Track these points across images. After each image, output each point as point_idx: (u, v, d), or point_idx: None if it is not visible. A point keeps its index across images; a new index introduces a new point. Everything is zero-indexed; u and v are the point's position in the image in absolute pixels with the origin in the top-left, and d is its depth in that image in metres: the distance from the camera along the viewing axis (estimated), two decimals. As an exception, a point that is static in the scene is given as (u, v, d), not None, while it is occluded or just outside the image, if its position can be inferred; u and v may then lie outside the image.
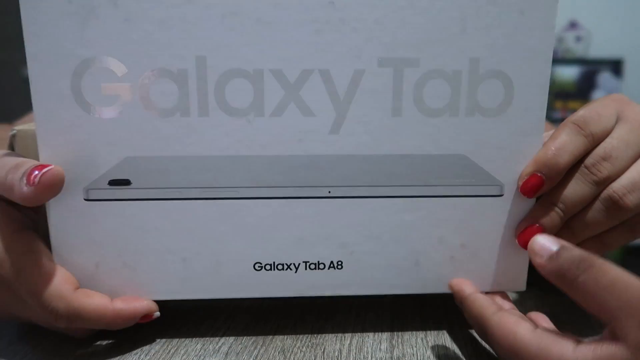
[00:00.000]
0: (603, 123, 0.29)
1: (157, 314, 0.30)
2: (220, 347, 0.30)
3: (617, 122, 0.30)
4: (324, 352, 0.29)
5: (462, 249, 0.31)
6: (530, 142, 0.29)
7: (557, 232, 0.29)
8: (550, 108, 2.06)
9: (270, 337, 0.31)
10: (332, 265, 0.30)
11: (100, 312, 0.28)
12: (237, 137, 0.28)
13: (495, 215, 0.30)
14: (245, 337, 0.31)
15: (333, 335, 0.31)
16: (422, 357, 0.29)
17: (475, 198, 0.30)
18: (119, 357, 0.28)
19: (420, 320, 0.33)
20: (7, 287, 0.27)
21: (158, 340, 0.30)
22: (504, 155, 0.29)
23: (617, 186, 0.28)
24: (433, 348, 0.30)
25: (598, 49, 2.12)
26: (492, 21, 0.28)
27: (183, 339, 0.30)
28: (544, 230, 0.29)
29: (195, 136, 0.28)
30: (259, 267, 0.30)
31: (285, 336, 0.31)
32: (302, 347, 0.30)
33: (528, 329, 0.24)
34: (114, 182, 0.28)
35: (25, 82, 0.31)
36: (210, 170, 0.28)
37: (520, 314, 0.27)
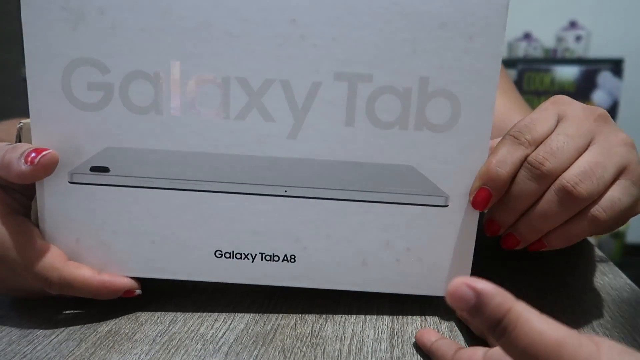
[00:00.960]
0: (540, 127, 0.30)
1: (139, 291, 0.33)
2: (220, 347, 0.30)
3: (558, 122, 0.31)
4: (324, 352, 0.29)
5: (407, 253, 0.32)
6: (476, 157, 0.31)
7: (519, 227, 0.31)
8: (550, 108, 2.06)
9: (271, 337, 0.31)
10: (285, 258, 0.33)
11: (87, 282, 0.31)
12: (204, 136, 0.31)
13: (441, 225, 0.32)
14: (245, 337, 0.31)
15: (333, 335, 0.31)
16: (422, 357, 0.29)
17: (421, 207, 0.32)
18: (119, 356, 0.28)
19: (421, 320, 0.33)
20: (3, 263, 0.30)
21: (158, 340, 0.30)
22: (450, 169, 0.31)
23: (568, 176, 0.29)
24: (433, 348, 0.30)
25: (598, 49, 2.12)
26: (441, 44, 0.30)
27: (183, 339, 0.30)
28: (499, 225, 0.31)
29: (168, 133, 0.31)
30: (219, 254, 0.33)
31: (285, 336, 0.31)
32: (302, 347, 0.30)
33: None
34: (94, 169, 0.31)
35: (26, 82, 0.32)
36: (180, 164, 0.31)
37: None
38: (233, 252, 0.32)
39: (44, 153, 0.30)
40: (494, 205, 0.31)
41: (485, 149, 0.31)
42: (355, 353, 0.29)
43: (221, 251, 0.33)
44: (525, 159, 0.30)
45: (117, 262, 0.33)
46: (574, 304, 0.35)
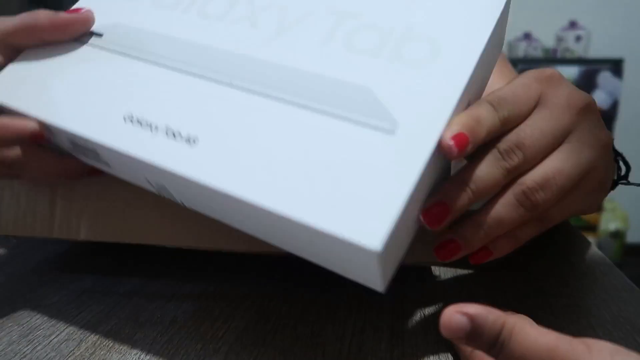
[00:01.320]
0: (518, 107, 0.28)
1: (48, 136, 0.33)
2: (220, 347, 0.30)
3: (536, 105, 0.29)
4: (324, 352, 0.29)
5: (325, 172, 0.26)
6: (443, 105, 0.27)
7: (468, 229, 0.28)
8: (550, 108, 2.07)
9: (271, 337, 0.31)
10: (188, 140, 0.29)
11: None
12: (198, 29, 0.34)
13: (377, 152, 0.26)
14: (245, 337, 0.31)
15: (333, 335, 0.31)
16: (422, 357, 0.29)
17: (362, 129, 0.27)
18: (119, 356, 0.28)
19: (420, 320, 0.33)
20: None
21: (158, 340, 0.30)
22: (411, 101, 0.27)
23: (530, 182, 0.28)
24: (433, 348, 0.30)
25: (598, 49, 2.12)
26: (439, 2, 0.31)
27: (183, 339, 0.30)
28: (450, 209, 0.27)
29: (172, 21, 0.35)
30: (128, 118, 0.31)
31: (285, 336, 0.31)
32: (302, 347, 0.30)
33: None
34: (92, 33, 0.36)
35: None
36: (157, 44, 0.34)
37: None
38: (142, 118, 0.31)
39: (86, 9, 0.35)
40: (450, 186, 0.27)
41: (455, 100, 0.27)
42: (355, 353, 0.29)
43: (132, 116, 0.31)
44: (496, 137, 0.28)
45: (46, 102, 0.33)
46: (573, 304, 0.35)
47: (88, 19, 0.35)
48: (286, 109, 0.29)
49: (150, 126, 0.30)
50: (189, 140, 0.29)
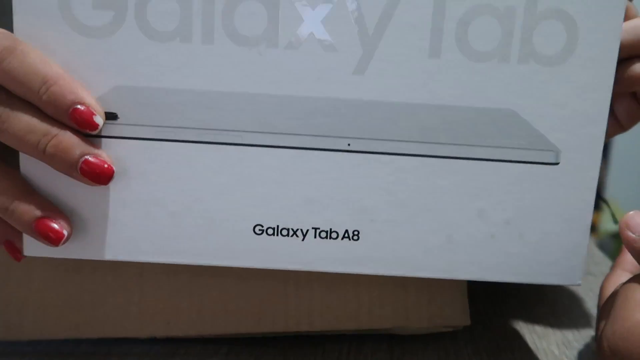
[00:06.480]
0: None
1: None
2: (220, 347, 0.30)
3: None
4: (324, 352, 0.29)
5: (505, 227, 0.25)
6: (596, 100, 0.24)
7: None
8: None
9: (270, 337, 0.31)
10: (346, 235, 0.25)
11: None
12: (244, 70, 0.24)
13: (549, 188, 0.25)
14: (245, 337, 0.31)
15: (333, 335, 0.31)
16: (422, 357, 0.29)
17: (524, 165, 0.25)
18: (119, 357, 0.28)
19: (420, 320, 0.33)
20: None
21: (158, 340, 0.30)
22: (563, 114, 0.25)
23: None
24: (433, 348, 0.30)
25: (598, 49, 2.11)
26: None
27: (183, 339, 0.30)
28: None
29: (197, 66, 0.24)
30: (259, 230, 0.25)
31: (285, 336, 0.31)
32: (302, 347, 0.30)
33: None
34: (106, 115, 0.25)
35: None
36: (212, 109, 0.25)
37: None
38: (278, 227, 0.25)
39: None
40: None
41: (608, 89, 0.24)
42: (355, 353, 0.29)
43: (262, 226, 0.25)
44: None
45: (125, 242, 0.25)
46: (573, 305, 0.35)
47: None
48: (433, 166, 0.25)
49: (296, 232, 0.26)
50: (350, 237, 0.26)
